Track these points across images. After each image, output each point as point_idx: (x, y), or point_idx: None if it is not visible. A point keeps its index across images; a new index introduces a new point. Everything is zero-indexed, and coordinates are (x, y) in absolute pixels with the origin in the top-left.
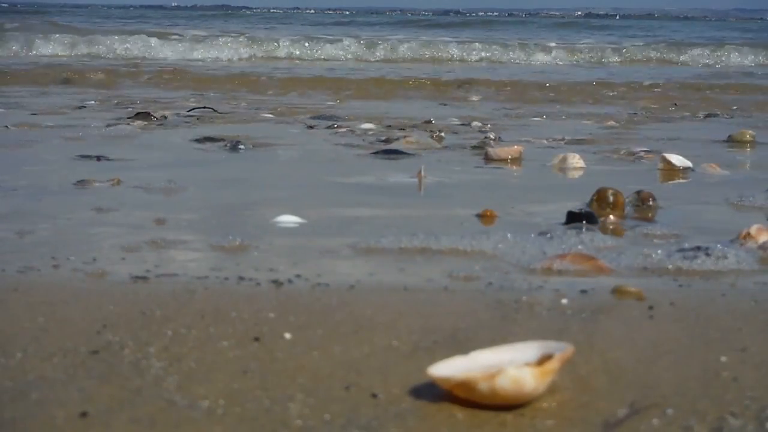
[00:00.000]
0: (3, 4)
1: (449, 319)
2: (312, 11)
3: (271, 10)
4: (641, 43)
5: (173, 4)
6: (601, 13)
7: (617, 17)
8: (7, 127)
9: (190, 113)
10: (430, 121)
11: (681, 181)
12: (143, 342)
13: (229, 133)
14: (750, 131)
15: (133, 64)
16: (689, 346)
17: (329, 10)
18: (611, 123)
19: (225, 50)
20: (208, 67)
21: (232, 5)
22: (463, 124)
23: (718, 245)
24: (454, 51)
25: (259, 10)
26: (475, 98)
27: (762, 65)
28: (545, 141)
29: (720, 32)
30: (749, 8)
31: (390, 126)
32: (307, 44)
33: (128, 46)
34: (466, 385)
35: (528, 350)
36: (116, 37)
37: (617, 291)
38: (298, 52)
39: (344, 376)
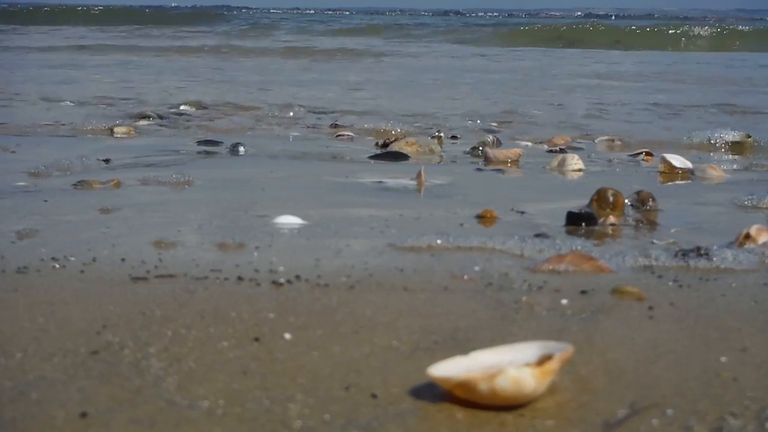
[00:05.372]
0: (3, 4)
1: (449, 319)
2: (312, 11)
3: (271, 11)
4: None
5: (173, 5)
6: (601, 13)
7: (613, 17)
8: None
9: (185, 111)
10: (431, 125)
11: (681, 182)
12: (143, 342)
13: (228, 136)
14: None
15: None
16: (689, 346)
17: (329, 10)
18: None
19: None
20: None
21: (232, 5)
22: (463, 128)
23: (718, 246)
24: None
25: (258, 11)
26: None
27: None
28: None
29: None
30: (750, 8)
31: (391, 130)
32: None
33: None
34: (466, 385)
35: (528, 350)
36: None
37: (617, 291)
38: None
39: (344, 376)
